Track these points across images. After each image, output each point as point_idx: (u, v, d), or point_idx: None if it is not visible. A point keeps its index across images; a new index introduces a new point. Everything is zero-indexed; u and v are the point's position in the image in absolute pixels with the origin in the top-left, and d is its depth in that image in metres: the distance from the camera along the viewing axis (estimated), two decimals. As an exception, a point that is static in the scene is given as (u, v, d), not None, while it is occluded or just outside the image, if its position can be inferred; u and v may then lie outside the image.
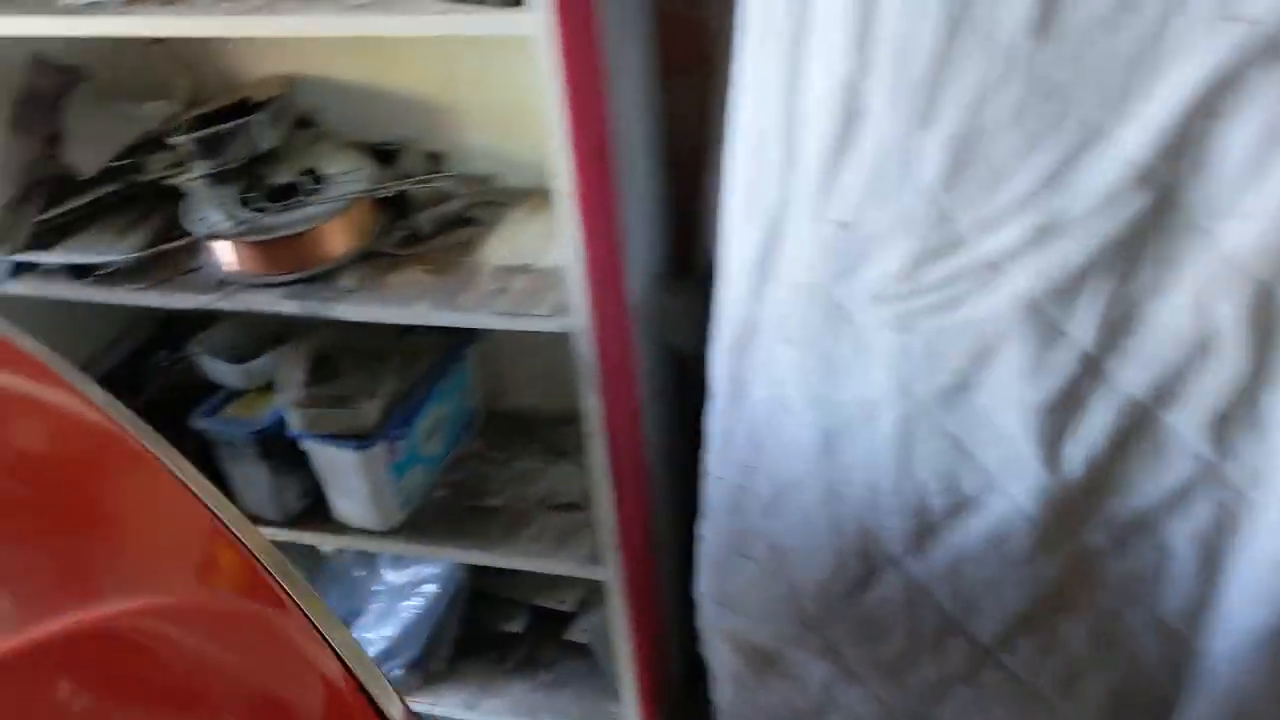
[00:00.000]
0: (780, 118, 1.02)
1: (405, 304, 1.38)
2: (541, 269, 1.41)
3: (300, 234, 1.41)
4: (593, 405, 1.36)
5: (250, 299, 1.43)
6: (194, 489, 0.85)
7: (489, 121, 1.57)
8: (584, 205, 1.24)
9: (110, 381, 1.68)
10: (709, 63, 1.42)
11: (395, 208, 1.52)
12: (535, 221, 1.52)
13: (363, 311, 1.39)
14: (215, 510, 0.83)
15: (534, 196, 1.56)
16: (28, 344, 1.06)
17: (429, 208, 1.51)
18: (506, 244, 1.48)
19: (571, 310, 1.30)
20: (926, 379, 0.98)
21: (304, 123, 1.61)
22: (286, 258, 1.44)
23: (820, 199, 1.00)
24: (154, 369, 1.67)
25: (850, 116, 0.97)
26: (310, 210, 1.43)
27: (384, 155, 1.58)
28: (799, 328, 1.06)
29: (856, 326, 1.01)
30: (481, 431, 1.75)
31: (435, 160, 1.60)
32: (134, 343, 1.73)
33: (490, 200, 1.57)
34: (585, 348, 1.32)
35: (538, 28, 1.13)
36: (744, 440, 1.18)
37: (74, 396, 0.98)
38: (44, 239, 1.53)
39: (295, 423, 1.49)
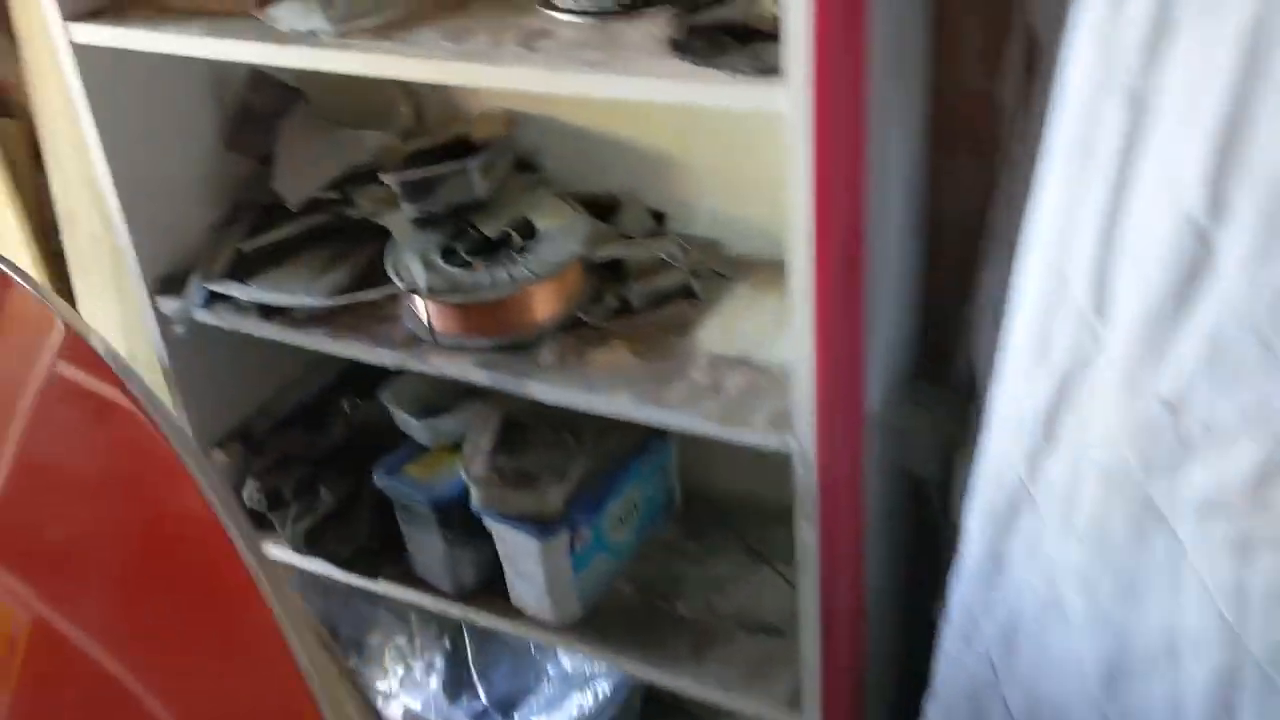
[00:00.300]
0: (1092, 253, 0.79)
1: (605, 392, 1.21)
2: (763, 365, 1.21)
3: (502, 299, 1.27)
4: (809, 536, 1.16)
5: (441, 362, 1.30)
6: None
7: (722, 180, 1.39)
8: (822, 298, 1.04)
9: (294, 420, 1.60)
10: (993, 144, 1.19)
11: (608, 269, 1.36)
12: (761, 302, 1.32)
13: (558, 394, 1.23)
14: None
15: (763, 270, 1.37)
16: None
17: (645, 276, 1.34)
18: (725, 328, 1.29)
19: (794, 425, 1.11)
20: (1266, 630, 0.73)
21: (522, 164, 1.47)
22: (485, 321, 1.30)
23: (1140, 366, 0.77)
24: (339, 413, 1.57)
25: (1193, 267, 0.73)
26: (517, 271, 1.28)
27: (603, 208, 1.42)
28: (1091, 521, 0.83)
29: (1174, 539, 0.77)
30: (679, 517, 1.57)
31: (658, 219, 1.43)
32: (323, 379, 1.64)
33: (713, 270, 1.38)
34: (806, 471, 1.12)
35: (794, 105, 0.93)
36: (995, 631, 0.96)
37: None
38: (243, 267, 1.44)
39: (476, 499, 1.36)
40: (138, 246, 1.44)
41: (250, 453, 1.61)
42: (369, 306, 1.38)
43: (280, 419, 1.63)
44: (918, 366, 1.35)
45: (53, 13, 1.28)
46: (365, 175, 1.45)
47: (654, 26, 1.09)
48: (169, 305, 1.46)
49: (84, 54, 1.30)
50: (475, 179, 1.35)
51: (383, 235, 1.39)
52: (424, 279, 1.29)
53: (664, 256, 1.34)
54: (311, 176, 1.45)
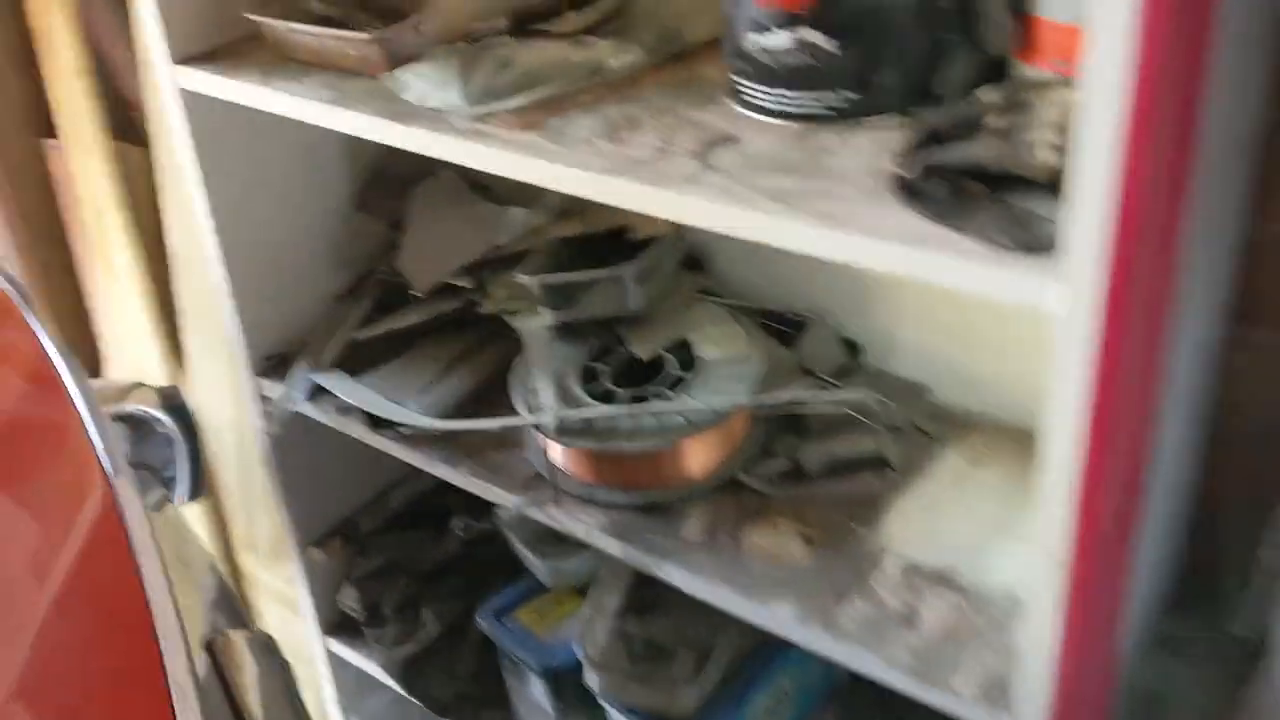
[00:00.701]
0: None
1: (762, 595, 0.94)
2: (976, 591, 0.92)
3: (647, 450, 1.02)
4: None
5: (563, 516, 1.06)
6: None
7: (938, 307, 1.10)
8: (1088, 521, 0.74)
9: (403, 521, 1.39)
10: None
11: (782, 416, 1.09)
12: (980, 484, 1.03)
13: (702, 586, 0.97)
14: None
15: (986, 433, 1.07)
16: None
17: (827, 433, 1.06)
18: (927, 520, 1.00)
19: (1014, 702, 0.81)
20: None
21: (690, 260, 1.22)
22: (622, 471, 1.05)
23: None
24: (450, 532, 1.35)
25: None
26: (667, 418, 1.02)
27: (783, 330, 1.15)
28: None
29: None
30: (842, 702, 1.28)
31: (850, 351, 1.15)
32: (435, 481, 1.42)
33: (915, 426, 1.09)
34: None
35: (1075, 301, 0.64)
36: None
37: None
38: (355, 357, 1.24)
39: (592, 681, 1.11)
40: (244, 318, 1.25)
41: (352, 553, 1.41)
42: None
43: (387, 517, 1.43)
44: (1175, 596, 1.03)
45: (160, 54, 1.09)
46: (505, 260, 1.22)
47: (874, 148, 0.81)
48: (272, 389, 1.26)
49: (193, 99, 1.11)
50: (630, 290, 1.10)
51: (515, 338, 1.16)
52: (554, 413, 1.04)
53: (854, 414, 1.05)
54: (443, 258, 1.23)
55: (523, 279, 1.13)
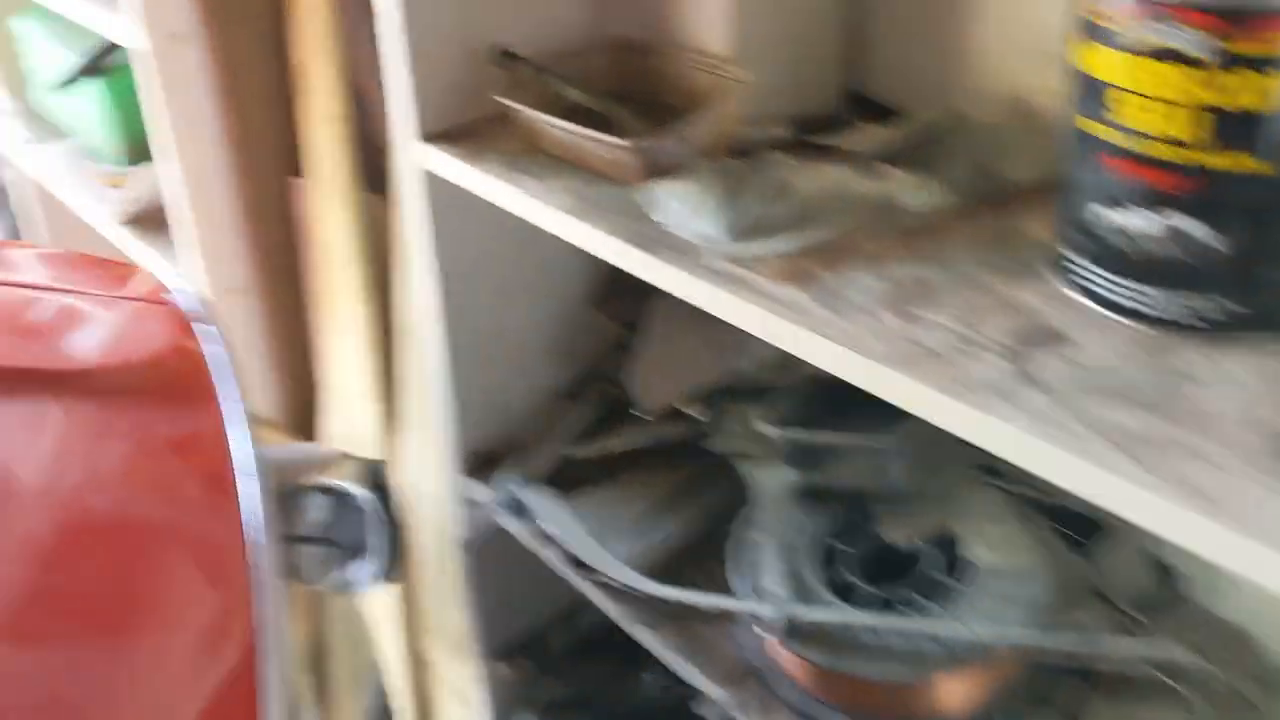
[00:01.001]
0: None
1: None
2: None
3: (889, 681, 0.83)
4: None
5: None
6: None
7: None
8: None
9: (601, 645, 1.25)
10: None
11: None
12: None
13: None
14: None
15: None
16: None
17: (1121, 689, 0.84)
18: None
19: None
20: None
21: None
22: (855, 693, 0.86)
23: None
24: (639, 684, 1.20)
25: None
26: (925, 643, 0.83)
27: (1076, 533, 0.93)
28: None
29: None
30: None
31: (1162, 577, 0.92)
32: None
33: (1235, 690, 0.85)
34: None
35: None
36: None
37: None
38: (568, 470, 1.10)
39: None
40: (457, 406, 1.13)
41: (539, 674, 1.28)
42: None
43: (577, 638, 1.29)
44: None
45: (405, 127, 0.99)
46: (746, 391, 1.05)
47: (1259, 383, 0.60)
48: (475, 490, 1.15)
49: (432, 178, 1.00)
50: (893, 466, 0.91)
51: (736, 477, 0.99)
52: (781, 606, 0.87)
53: (1159, 674, 0.83)
54: (676, 379, 1.07)
55: (763, 428, 0.96)
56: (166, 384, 0.93)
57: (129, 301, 1.02)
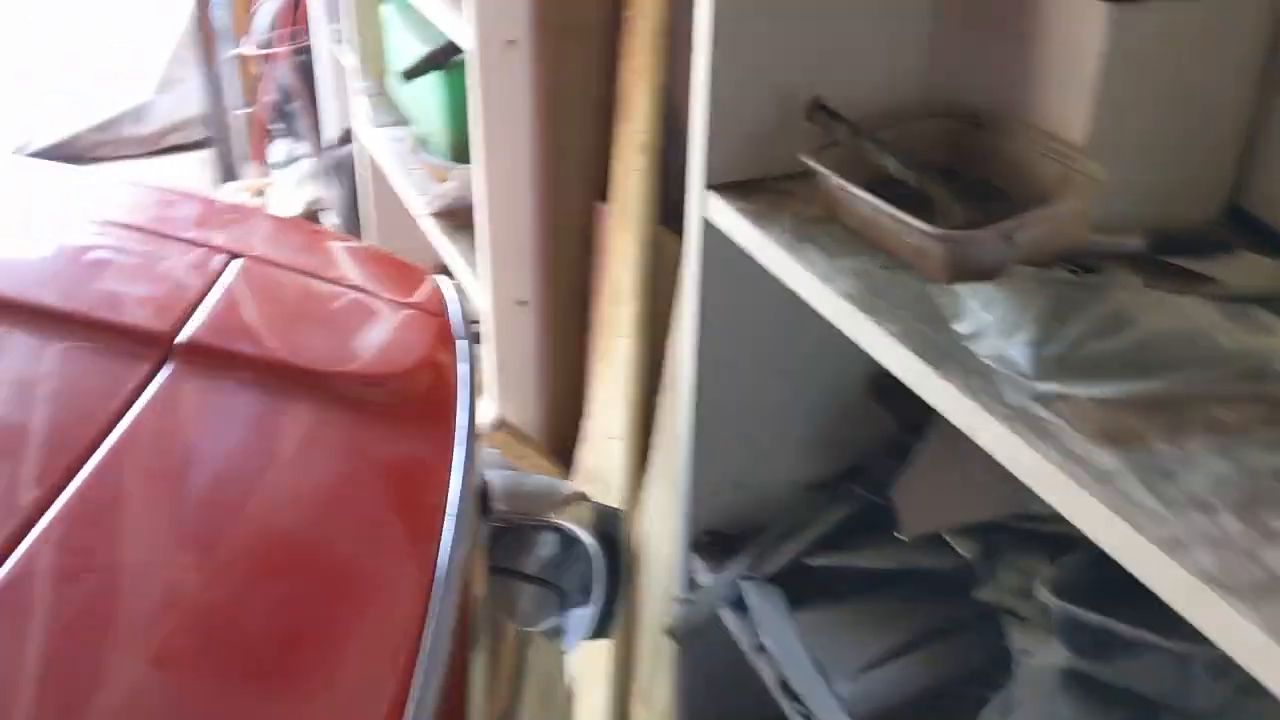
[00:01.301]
0: None
1: None
2: None
3: None
4: None
5: None
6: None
7: None
8: None
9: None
10: None
11: None
12: None
13: None
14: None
15: None
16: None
17: None
18: None
19: None
20: None
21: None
22: None
23: None
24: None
25: None
26: None
27: None
28: None
29: None
30: None
31: None
32: None
33: None
34: None
35: None
36: None
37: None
38: (804, 574, 0.97)
39: None
40: (698, 477, 1.03)
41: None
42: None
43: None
44: None
45: (696, 172, 0.90)
46: (1029, 539, 0.88)
47: None
48: (698, 570, 1.04)
49: (713, 230, 0.91)
50: (1198, 680, 0.72)
51: (994, 636, 0.83)
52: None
53: None
54: (947, 505, 0.92)
55: (1041, 593, 0.79)
56: (412, 400, 0.88)
57: (408, 309, 0.99)
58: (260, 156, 2.92)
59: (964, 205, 0.77)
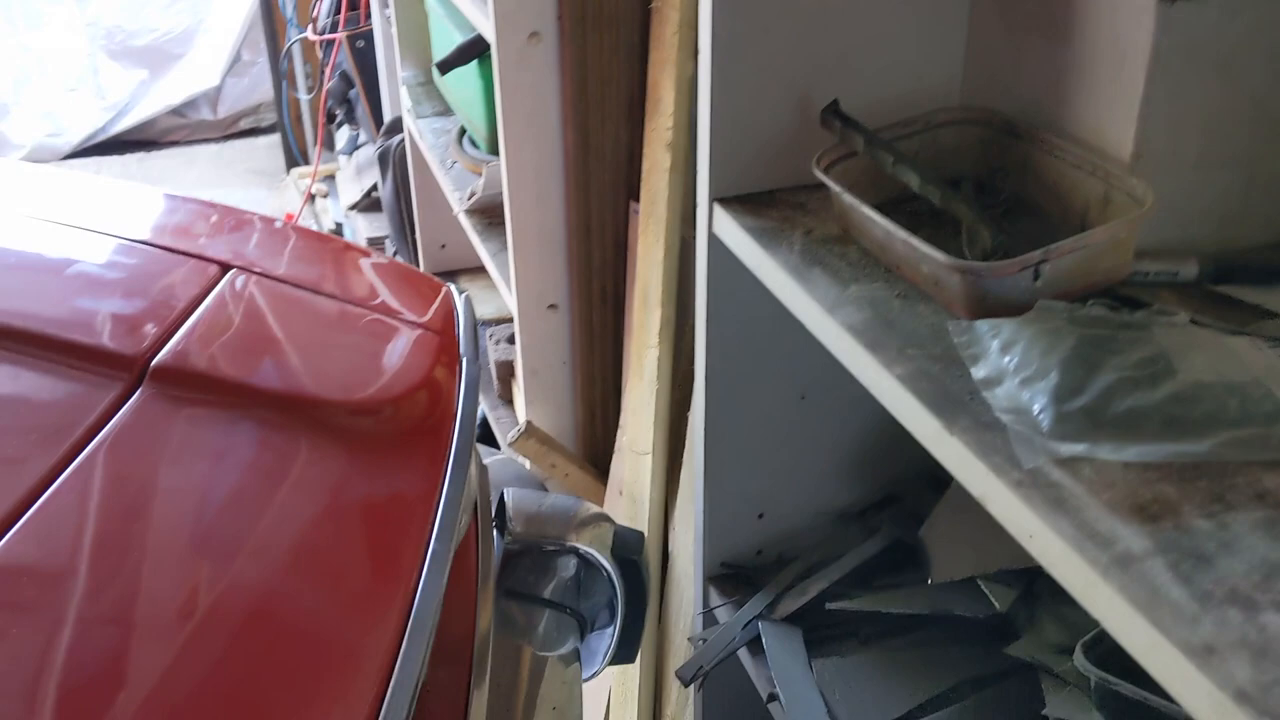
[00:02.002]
0: None
1: None
2: None
3: None
4: None
5: None
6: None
7: None
8: None
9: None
10: None
11: None
12: None
13: None
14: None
15: None
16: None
17: None
18: None
19: None
20: None
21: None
22: None
23: None
24: None
25: None
26: None
27: None
28: None
29: None
30: None
31: None
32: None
33: None
34: None
35: None
36: None
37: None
38: (825, 616, 0.90)
39: None
40: (710, 507, 0.96)
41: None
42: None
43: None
44: None
45: (703, 182, 0.82)
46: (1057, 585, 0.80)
47: None
48: (718, 607, 0.97)
49: (718, 244, 0.83)
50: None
51: (1029, 695, 0.75)
52: None
53: None
54: (982, 552, 0.84)
55: (1082, 664, 0.70)
56: (405, 428, 0.83)
57: (415, 328, 0.94)
58: (325, 142, 2.90)
59: (993, 227, 0.68)
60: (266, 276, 0.93)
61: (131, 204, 1.04)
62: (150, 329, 0.79)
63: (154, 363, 0.75)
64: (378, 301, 0.98)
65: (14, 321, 0.77)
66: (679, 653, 1.28)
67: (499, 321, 1.84)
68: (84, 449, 0.68)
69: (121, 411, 0.71)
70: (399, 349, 0.92)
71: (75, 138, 3.77)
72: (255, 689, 0.60)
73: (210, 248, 0.95)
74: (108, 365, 0.75)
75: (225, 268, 0.91)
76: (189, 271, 0.91)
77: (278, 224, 1.16)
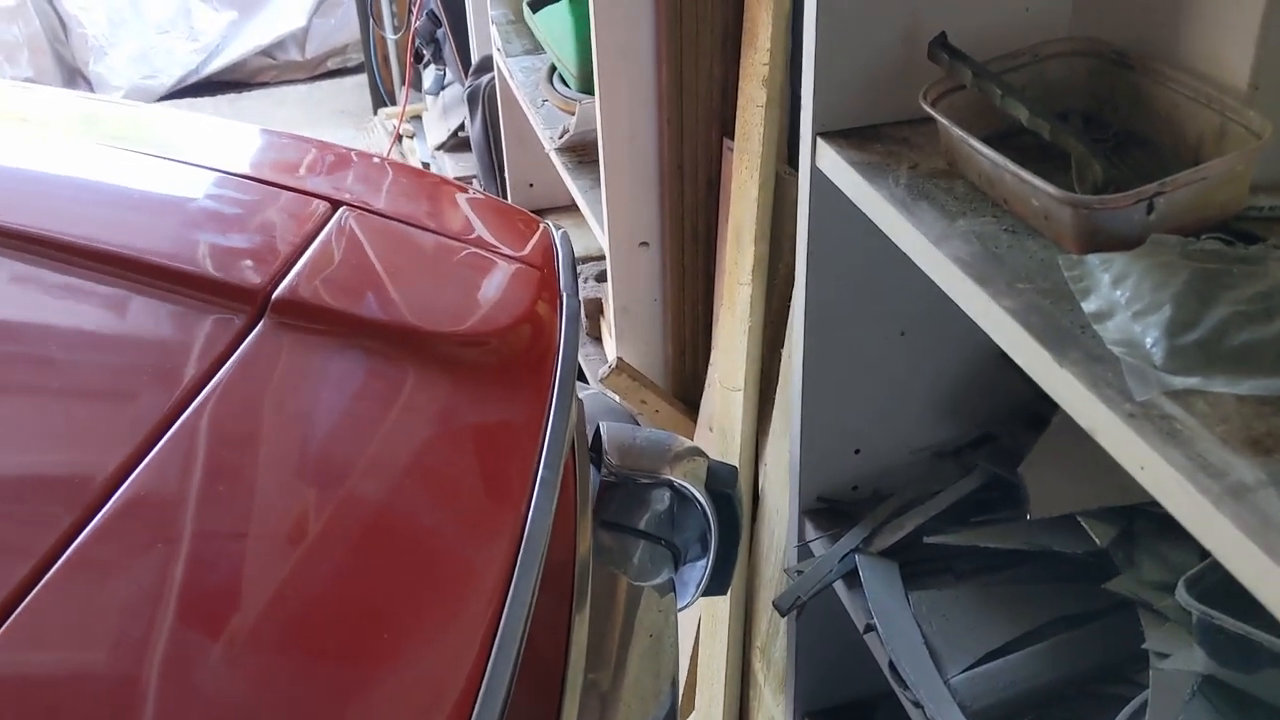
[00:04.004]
0: None
1: None
2: None
3: None
4: None
5: None
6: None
7: None
8: None
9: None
10: None
11: None
12: None
13: None
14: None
15: None
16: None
17: None
18: None
19: None
20: None
21: None
22: None
23: None
24: None
25: None
26: None
27: None
28: None
29: None
30: None
31: None
32: None
33: None
34: None
35: None
36: None
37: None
38: (923, 550, 0.91)
39: None
40: (808, 439, 0.98)
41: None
42: None
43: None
44: None
45: (807, 116, 0.83)
46: (1169, 529, 0.79)
47: None
48: (813, 541, 0.99)
49: (822, 179, 0.83)
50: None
51: (1127, 631, 0.76)
52: None
53: None
54: (1082, 486, 0.84)
55: (1180, 594, 0.71)
56: (510, 360, 0.85)
57: (516, 262, 0.96)
58: (412, 82, 2.93)
59: (1104, 160, 0.68)
60: (374, 213, 0.95)
61: (237, 140, 1.07)
62: (269, 263, 0.82)
63: (274, 295, 0.78)
64: (480, 237, 1.00)
65: (141, 255, 0.80)
66: (768, 584, 1.30)
67: (586, 260, 1.86)
68: (214, 377, 0.71)
69: (247, 340, 0.74)
70: (502, 283, 0.94)
71: (169, 80, 3.85)
72: (378, 601, 0.63)
73: (319, 184, 0.97)
74: (231, 298, 0.78)
75: (335, 204, 0.93)
76: (301, 207, 0.93)
77: (375, 160, 1.19)
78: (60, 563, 0.56)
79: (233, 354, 0.73)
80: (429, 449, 0.75)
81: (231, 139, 1.07)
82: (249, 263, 0.82)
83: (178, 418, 0.67)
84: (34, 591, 0.55)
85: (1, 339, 0.73)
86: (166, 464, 0.65)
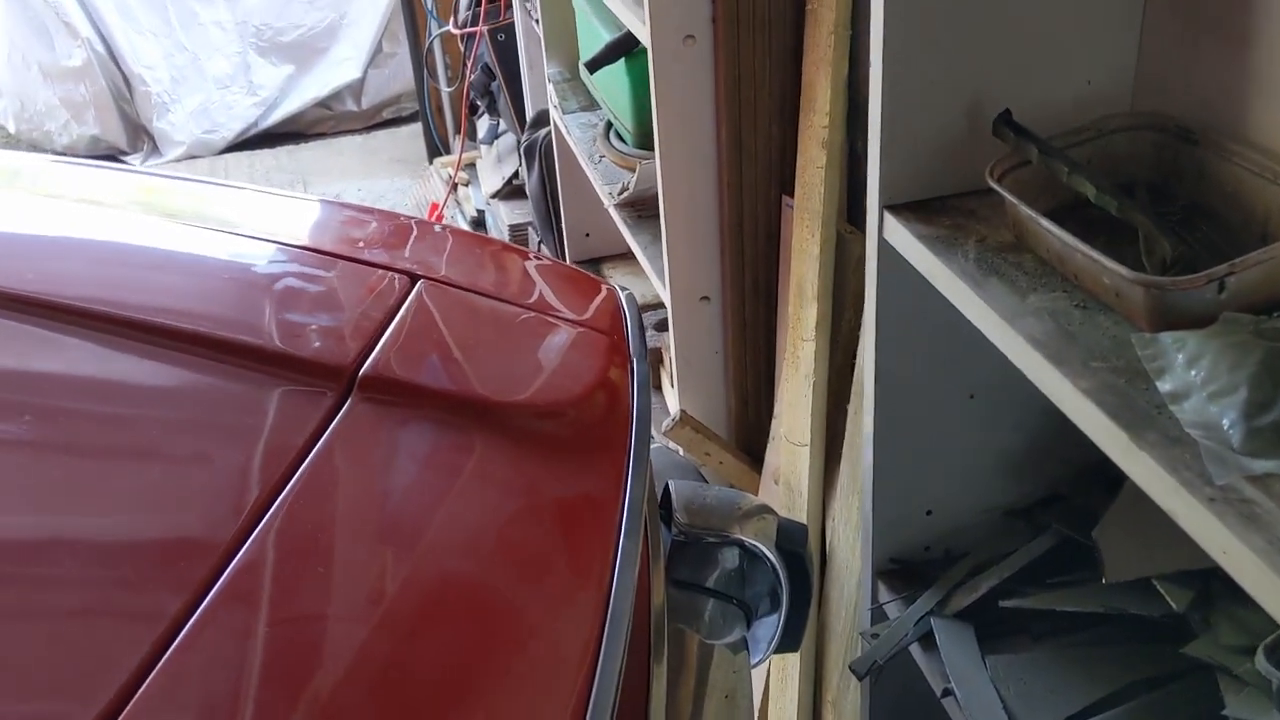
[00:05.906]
0: None
1: None
2: None
3: None
4: None
5: None
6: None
7: None
8: None
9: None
10: None
11: None
12: None
13: None
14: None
15: None
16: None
17: None
18: None
19: None
20: None
21: None
22: None
23: None
24: None
25: None
26: None
27: None
28: None
29: None
30: None
31: None
32: None
33: None
34: None
35: None
36: None
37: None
38: (994, 612, 0.92)
39: None
40: (879, 503, 0.99)
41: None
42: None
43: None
44: None
45: (873, 189, 0.85)
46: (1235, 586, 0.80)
47: None
48: (887, 602, 1.00)
49: (889, 249, 0.85)
50: None
51: (1206, 695, 0.76)
52: None
53: None
54: (1157, 550, 0.84)
55: (1263, 665, 0.71)
56: (585, 429, 0.87)
57: (587, 329, 0.98)
58: (466, 132, 2.98)
59: (1173, 236, 0.69)
60: (452, 285, 0.98)
61: (304, 215, 1.10)
62: (354, 339, 0.85)
63: (361, 372, 0.80)
64: (551, 304, 1.02)
65: (230, 334, 0.83)
66: (838, 639, 1.31)
67: (646, 308, 1.88)
68: (308, 455, 0.74)
69: (337, 418, 0.77)
70: (576, 352, 0.97)
71: (229, 133, 3.95)
72: (476, 677, 0.65)
73: (393, 257, 1.00)
74: (319, 376, 0.80)
75: (414, 278, 0.96)
76: (379, 282, 0.96)
77: (438, 229, 1.21)
78: (177, 642, 0.59)
79: (324, 431, 0.76)
80: (516, 524, 0.78)
81: (293, 212, 1.11)
82: (334, 340, 0.85)
83: (276, 498, 0.70)
84: (159, 665, 0.57)
85: (113, 421, 0.76)
86: (270, 542, 0.67)
